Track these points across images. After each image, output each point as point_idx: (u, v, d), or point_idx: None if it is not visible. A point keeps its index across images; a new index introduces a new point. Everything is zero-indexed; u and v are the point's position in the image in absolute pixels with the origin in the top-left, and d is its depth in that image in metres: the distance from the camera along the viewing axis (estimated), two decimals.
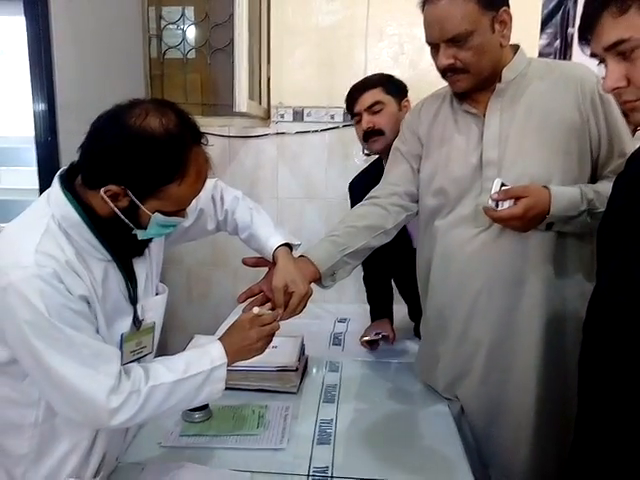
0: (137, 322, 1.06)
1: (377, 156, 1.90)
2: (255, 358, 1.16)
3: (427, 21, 1.24)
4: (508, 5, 1.23)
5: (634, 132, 1.29)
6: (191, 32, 2.54)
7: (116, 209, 0.93)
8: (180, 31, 2.54)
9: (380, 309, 1.96)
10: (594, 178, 1.27)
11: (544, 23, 3.79)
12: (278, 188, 2.46)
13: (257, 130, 2.40)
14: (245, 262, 1.35)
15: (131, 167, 0.90)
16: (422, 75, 2.28)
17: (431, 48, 1.28)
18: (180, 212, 1.01)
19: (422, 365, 1.54)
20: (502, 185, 1.16)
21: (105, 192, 0.91)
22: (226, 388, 1.10)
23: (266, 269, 1.32)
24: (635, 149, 1.02)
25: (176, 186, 0.93)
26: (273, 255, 1.27)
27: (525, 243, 1.25)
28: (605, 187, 1.04)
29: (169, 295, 2.67)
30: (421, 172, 1.43)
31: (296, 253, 1.33)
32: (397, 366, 1.73)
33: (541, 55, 3.75)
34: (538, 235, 1.24)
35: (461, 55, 1.21)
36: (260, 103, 2.39)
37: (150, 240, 1.05)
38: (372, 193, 1.49)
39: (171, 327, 2.59)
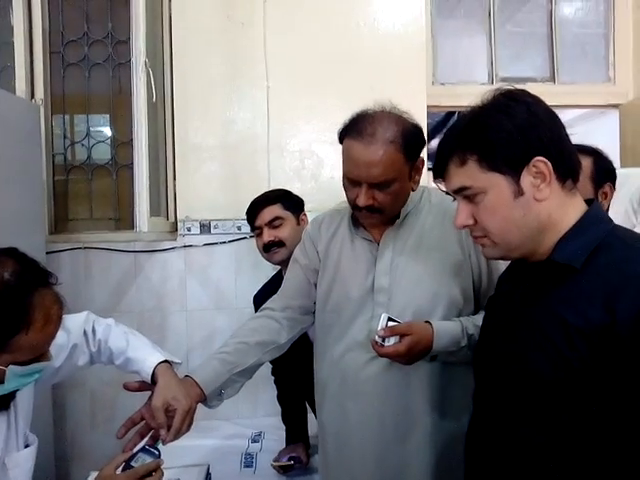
0: None
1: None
2: None
3: (354, 159, 1.22)
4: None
5: None
6: (99, 147, 2.57)
7: None
8: (85, 148, 2.57)
9: (294, 432, 1.92)
10: (478, 307, 1.33)
11: (441, 126, 4.17)
12: (187, 300, 2.42)
13: (164, 244, 2.39)
14: (126, 387, 1.27)
15: None
16: (323, 187, 2.41)
17: (349, 181, 1.26)
18: (40, 357, 0.97)
19: None
20: (389, 319, 1.19)
21: None
22: None
23: None
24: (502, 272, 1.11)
25: (24, 335, 0.91)
26: (153, 374, 1.22)
27: (414, 371, 1.27)
28: None
29: (69, 422, 2.48)
30: (318, 287, 1.45)
31: (182, 372, 1.29)
32: None
33: None
34: (426, 364, 1.26)
35: (380, 197, 1.23)
36: (167, 218, 2.40)
37: (14, 392, 1.00)
38: (268, 304, 1.49)
39: (72, 456, 2.40)
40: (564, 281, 0.85)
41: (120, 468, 1.07)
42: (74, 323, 1.24)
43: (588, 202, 0.92)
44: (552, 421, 0.83)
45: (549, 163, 0.85)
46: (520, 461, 0.87)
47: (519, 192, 0.86)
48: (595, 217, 0.89)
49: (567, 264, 0.85)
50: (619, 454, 0.78)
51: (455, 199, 0.94)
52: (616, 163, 1.56)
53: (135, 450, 1.12)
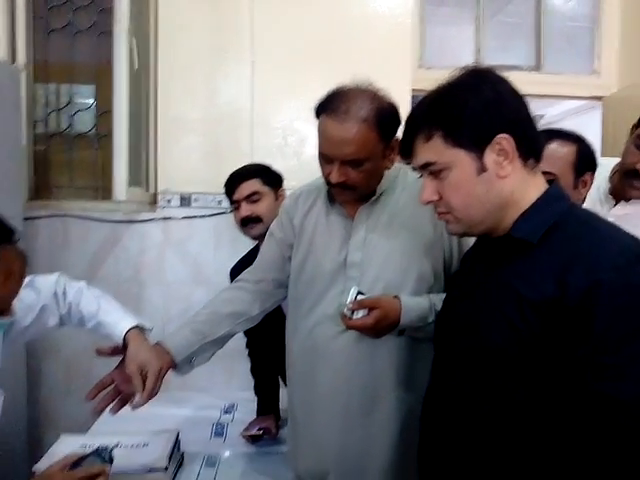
0: None
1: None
2: (120, 458, 1.10)
3: (327, 135, 1.24)
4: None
5: None
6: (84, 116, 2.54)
7: None
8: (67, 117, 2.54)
9: (266, 404, 1.94)
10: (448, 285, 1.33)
11: None
12: (165, 273, 2.43)
13: (143, 215, 2.39)
14: (99, 352, 1.29)
15: None
16: (305, 164, 2.42)
17: (323, 157, 1.28)
18: (2, 313, 0.98)
19: (290, 458, 1.51)
20: (359, 293, 1.22)
21: None
22: None
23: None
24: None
25: None
26: (124, 338, 1.25)
27: (383, 345, 1.29)
28: None
29: (44, 389, 2.49)
30: (292, 260, 1.46)
31: (154, 339, 1.31)
32: (278, 457, 1.70)
33: None
34: (394, 338, 1.29)
35: (352, 175, 1.25)
36: (147, 189, 2.40)
37: None
38: (242, 275, 1.51)
39: (46, 423, 2.41)
40: (521, 256, 0.88)
41: (67, 469, 1.07)
42: (44, 284, 1.25)
43: (549, 182, 0.95)
44: (503, 391, 0.86)
45: (512, 141, 0.87)
46: (472, 430, 0.90)
47: (482, 168, 0.88)
48: (554, 196, 0.92)
49: (524, 239, 0.87)
50: (566, 423, 0.81)
51: (421, 176, 0.97)
52: (597, 154, 1.58)
53: (88, 452, 1.12)
